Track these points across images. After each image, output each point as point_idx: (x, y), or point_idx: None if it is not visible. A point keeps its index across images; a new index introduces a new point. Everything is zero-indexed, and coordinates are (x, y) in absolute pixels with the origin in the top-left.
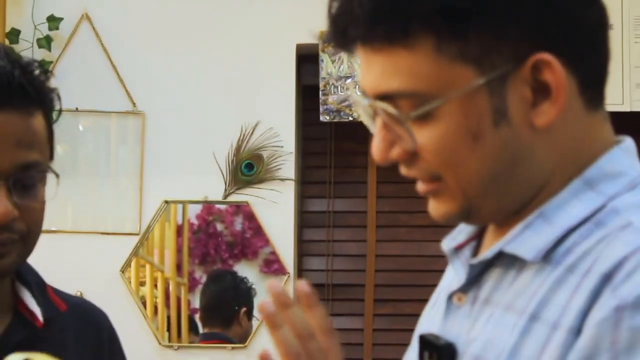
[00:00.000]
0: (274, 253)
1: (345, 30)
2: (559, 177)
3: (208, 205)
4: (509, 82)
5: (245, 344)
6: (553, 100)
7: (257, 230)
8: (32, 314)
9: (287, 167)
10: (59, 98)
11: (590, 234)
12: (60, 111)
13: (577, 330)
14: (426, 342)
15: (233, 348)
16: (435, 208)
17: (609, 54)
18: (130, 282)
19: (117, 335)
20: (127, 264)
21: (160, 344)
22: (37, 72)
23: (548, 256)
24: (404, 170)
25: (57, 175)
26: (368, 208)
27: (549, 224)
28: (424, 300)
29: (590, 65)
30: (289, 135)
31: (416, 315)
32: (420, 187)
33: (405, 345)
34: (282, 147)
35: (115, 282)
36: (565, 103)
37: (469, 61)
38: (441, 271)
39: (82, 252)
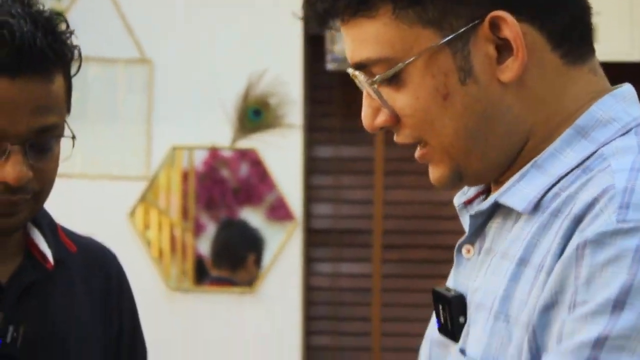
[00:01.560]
0: (279, 199)
1: (316, 8)
2: (544, 129)
3: (214, 152)
4: (471, 42)
5: (252, 288)
6: (515, 55)
7: (263, 176)
8: (43, 255)
9: (294, 114)
10: (80, 54)
11: (577, 179)
12: (79, 66)
13: (552, 272)
14: (438, 296)
15: (241, 293)
16: (431, 174)
17: (581, 7)
18: (138, 226)
19: (126, 276)
20: (135, 209)
21: (168, 287)
22: (59, 30)
23: (539, 204)
24: (396, 138)
25: (73, 137)
26: (375, 155)
27: (542, 173)
28: (432, 247)
29: (557, 19)
30: (296, 83)
31: (425, 262)
32: (417, 154)
33: (414, 291)
34: (288, 94)
35: (124, 226)
36: (529, 57)
37: (428, 24)
38: (449, 218)
39: (91, 196)
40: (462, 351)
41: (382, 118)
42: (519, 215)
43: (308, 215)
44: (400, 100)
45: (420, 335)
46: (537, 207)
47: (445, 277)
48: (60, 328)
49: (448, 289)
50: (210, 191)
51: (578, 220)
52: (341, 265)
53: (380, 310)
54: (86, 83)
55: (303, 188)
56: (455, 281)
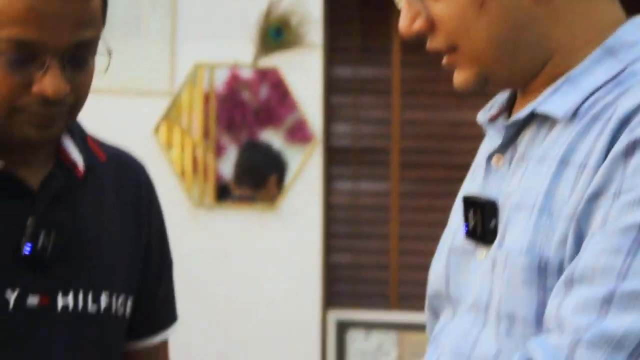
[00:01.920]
0: (299, 120)
1: None
2: (568, 47)
3: (235, 73)
4: None
5: (274, 206)
6: None
7: (284, 97)
8: (73, 163)
9: (314, 33)
10: None
11: (611, 91)
12: None
13: (598, 168)
14: (469, 202)
15: (262, 210)
16: (457, 77)
17: None
18: (162, 143)
19: (155, 189)
20: (159, 125)
21: (193, 204)
22: None
23: (575, 114)
24: (428, 44)
25: (109, 53)
26: (393, 75)
27: (575, 86)
28: (449, 166)
29: None
30: (316, 1)
31: (442, 181)
32: (444, 60)
33: (431, 210)
34: (309, 13)
35: (148, 142)
36: None
37: None
38: (466, 137)
39: (116, 112)
40: (499, 248)
41: (419, 24)
42: (553, 124)
43: (328, 134)
44: (438, 7)
45: None
46: (574, 114)
47: None
48: (90, 235)
49: (478, 196)
50: (231, 113)
51: (625, 121)
52: (360, 184)
53: (398, 228)
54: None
55: (323, 107)
56: (484, 189)
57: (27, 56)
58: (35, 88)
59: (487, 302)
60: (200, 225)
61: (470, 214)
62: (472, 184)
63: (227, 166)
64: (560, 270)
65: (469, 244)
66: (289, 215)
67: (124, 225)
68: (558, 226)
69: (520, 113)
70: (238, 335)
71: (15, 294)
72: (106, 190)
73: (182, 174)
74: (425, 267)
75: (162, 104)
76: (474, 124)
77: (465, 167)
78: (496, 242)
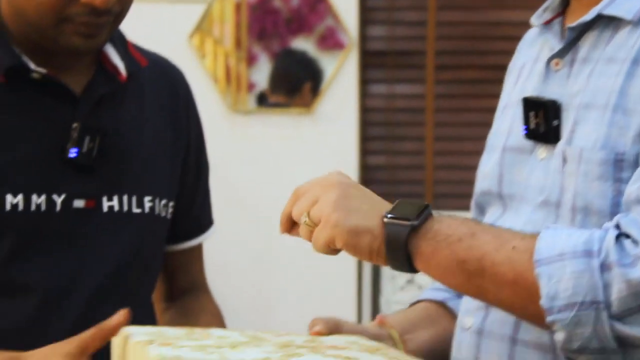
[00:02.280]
0: (331, 27)
1: None
2: None
3: None
4: None
5: (310, 110)
6: None
7: (315, 3)
8: (115, 68)
9: None
10: None
11: None
12: None
13: None
14: (530, 103)
15: (299, 114)
16: None
17: None
18: (197, 50)
19: (193, 94)
20: (194, 33)
21: (229, 109)
22: None
23: None
24: None
25: None
26: None
27: None
28: (484, 67)
29: None
30: None
31: (477, 82)
32: None
33: (466, 111)
34: None
35: (184, 50)
36: None
37: None
38: (501, 38)
39: (150, 20)
40: (568, 145)
41: None
42: (618, 26)
43: (363, 37)
44: None
45: (472, 153)
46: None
47: (496, 96)
48: (132, 139)
49: (538, 97)
50: (263, 22)
51: None
52: (395, 86)
53: (433, 129)
54: None
55: (358, 10)
56: (543, 91)
57: None
58: None
59: (559, 198)
60: (237, 131)
61: (531, 115)
62: (527, 87)
63: (260, 74)
64: (636, 162)
65: (526, 144)
66: (325, 119)
67: (163, 130)
68: (633, 122)
69: (586, 16)
70: (273, 237)
71: (62, 197)
72: (146, 95)
73: (217, 81)
74: (460, 167)
75: (197, 12)
76: (509, 24)
77: (500, 68)
78: (563, 140)
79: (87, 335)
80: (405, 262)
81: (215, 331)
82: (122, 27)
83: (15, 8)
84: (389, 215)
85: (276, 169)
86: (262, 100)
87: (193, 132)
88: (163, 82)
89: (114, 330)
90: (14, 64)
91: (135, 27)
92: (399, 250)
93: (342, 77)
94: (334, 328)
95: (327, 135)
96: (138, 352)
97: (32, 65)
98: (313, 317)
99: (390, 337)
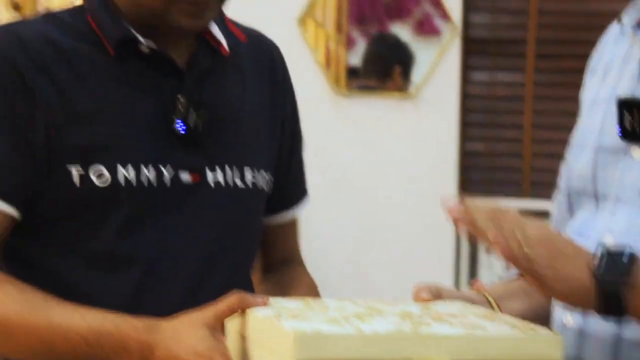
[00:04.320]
0: (428, 14)
1: None
2: None
3: None
4: None
5: (412, 93)
6: None
7: None
8: (218, 42)
9: None
10: None
11: None
12: None
13: None
14: (624, 103)
15: (400, 98)
16: None
17: None
18: (304, 34)
19: (287, 68)
20: (303, 17)
21: (333, 92)
22: None
23: None
24: None
25: None
26: None
27: None
28: (586, 57)
29: None
30: None
31: (577, 71)
32: None
33: (565, 100)
34: None
35: (291, 32)
36: None
37: None
38: (603, 28)
39: (260, 3)
40: None
41: None
42: None
43: (466, 23)
44: None
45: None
46: None
47: None
48: (234, 113)
49: (633, 97)
50: (362, 7)
51: None
52: (497, 74)
53: (532, 117)
54: None
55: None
56: (637, 91)
57: None
58: None
59: None
60: (339, 113)
61: (626, 115)
62: (619, 86)
63: (357, 58)
64: None
65: (621, 144)
66: (426, 104)
67: (262, 104)
68: None
69: None
70: (374, 217)
71: (170, 170)
72: (246, 70)
73: (319, 64)
74: (558, 156)
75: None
76: (611, 14)
77: None
78: None
79: (223, 306)
80: (616, 312)
81: (330, 302)
82: (234, 9)
83: None
84: (600, 271)
85: (377, 151)
86: (356, 83)
87: (289, 105)
88: (260, 56)
89: (252, 306)
90: (124, 37)
91: (244, 11)
92: (612, 305)
93: (444, 62)
94: (436, 294)
95: (429, 119)
96: (268, 326)
97: (142, 39)
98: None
99: (487, 302)
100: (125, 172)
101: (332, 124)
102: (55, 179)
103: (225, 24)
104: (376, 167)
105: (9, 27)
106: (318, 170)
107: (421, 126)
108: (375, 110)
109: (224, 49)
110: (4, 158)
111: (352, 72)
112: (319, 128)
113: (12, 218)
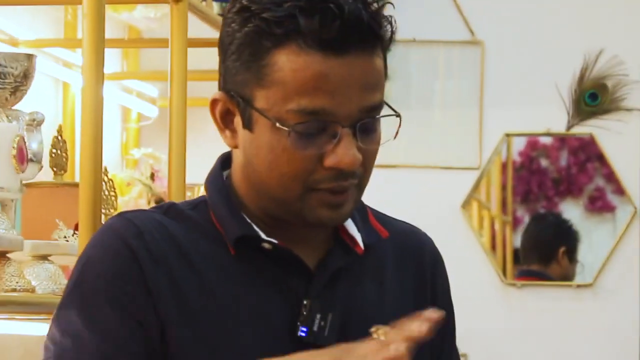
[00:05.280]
0: (600, 189)
1: None
2: None
3: (533, 140)
4: None
5: (591, 283)
6: None
7: (582, 166)
8: (352, 239)
9: (634, 96)
10: (395, 28)
11: None
12: (393, 41)
13: None
14: None
15: (578, 286)
16: None
17: None
18: (469, 217)
19: (442, 259)
20: (468, 200)
21: (502, 281)
22: (379, 4)
23: None
24: None
25: (398, 116)
26: None
27: None
28: None
29: None
30: (636, 62)
31: None
32: None
33: None
34: (628, 75)
35: (454, 218)
36: None
37: None
38: None
39: (417, 187)
40: None
41: None
42: None
43: None
44: None
45: None
46: None
47: None
48: (372, 314)
49: None
50: (529, 183)
51: None
52: None
53: None
54: (409, 66)
55: None
56: None
57: (318, 127)
58: (328, 161)
59: None
60: (505, 302)
61: None
62: None
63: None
64: None
65: None
66: (605, 292)
67: (404, 303)
68: None
69: None
70: None
71: None
72: (387, 268)
73: (485, 249)
74: None
75: (469, 177)
76: None
77: None
78: None
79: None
80: None
81: None
82: (389, 193)
83: (256, 184)
84: None
85: (552, 344)
86: (517, 268)
87: (440, 302)
88: (406, 251)
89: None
90: (244, 234)
91: (402, 194)
92: None
93: (625, 244)
94: None
95: (608, 309)
96: None
97: (263, 235)
98: None
99: None
100: None
101: (501, 316)
102: None
103: (367, 217)
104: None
105: (126, 215)
106: None
107: (600, 316)
108: (553, 300)
109: (359, 247)
110: (124, 342)
111: (517, 256)
112: (490, 320)
113: None
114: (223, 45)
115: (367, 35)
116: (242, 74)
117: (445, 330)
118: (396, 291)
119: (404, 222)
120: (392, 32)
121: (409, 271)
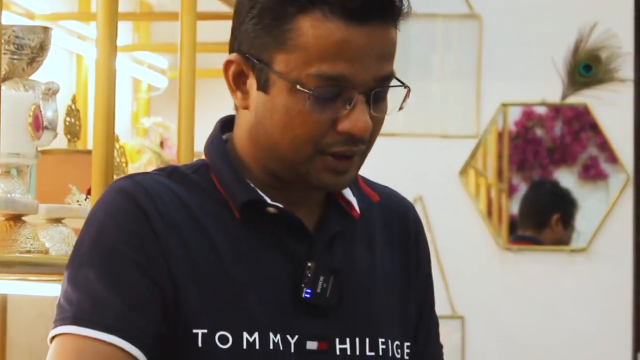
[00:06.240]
0: (593, 157)
1: None
2: None
3: (528, 110)
4: None
5: (585, 247)
6: None
7: (594, 131)
8: (349, 204)
9: (627, 67)
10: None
11: None
12: (409, 15)
13: None
14: None
15: (572, 251)
16: None
17: None
18: (467, 185)
19: (424, 230)
20: (465, 167)
21: (499, 245)
22: None
23: None
24: None
25: (407, 87)
26: None
27: None
28: None
29: None
30: (628, 35)
31: None
32: None
33: None
34: (621, 47)
35: (452, 184)
36: None
37: None
38: None
39: (417, 154)
40: None
41: None
42: None
43: (638, 172)
44: None
45: None
46: None
47: None
48: (365, 279)
49: None
50: (524, 152)
51: None
52: None
53: None
54: (408, 38)
55: (635, 145)
56: None
57: (335, 92)
58: (341, 126)
59: None
60: (501, 266)
61: None
62: None
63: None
64: None
65: None
66: (597, 257)
67: (393, 269)
68: None
69: None
70: None
71: (295, 338)
72: (377, 233)
73: (482, 216)
74: None
75: (466, 145)
76: None
77: None
78: None
79: None
80: None
81: None
82: (388, 162)
83: (265, 146)
84: None
85: (545, 306)
86: (514, 233)
87: (422, 270)
88: (394, 219)
89: None
90: (250, 199)
91: (401, 162)
92: None
93: (617, 211)
94: None
95: (600, 273)
96: None
97: (268, 200)
98: None
99: None
100: (251, 338)
101: (498, 281)
102: (179, 337)
103: (358, 183)
104: (544, 324)
105: (135, 177)
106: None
107: (592, 281)
108: (548, 263)
109: (355, 211)
110: (143, 306)
111: (514, 223)
112: (486, 285)
113: None
114: (242, 9)
115: (388, 6)
116: (262, 38)
117: (425, 297)
118: (385, 254)
119: (386, 186)
120: (409, 6)
121: (396, 234)
